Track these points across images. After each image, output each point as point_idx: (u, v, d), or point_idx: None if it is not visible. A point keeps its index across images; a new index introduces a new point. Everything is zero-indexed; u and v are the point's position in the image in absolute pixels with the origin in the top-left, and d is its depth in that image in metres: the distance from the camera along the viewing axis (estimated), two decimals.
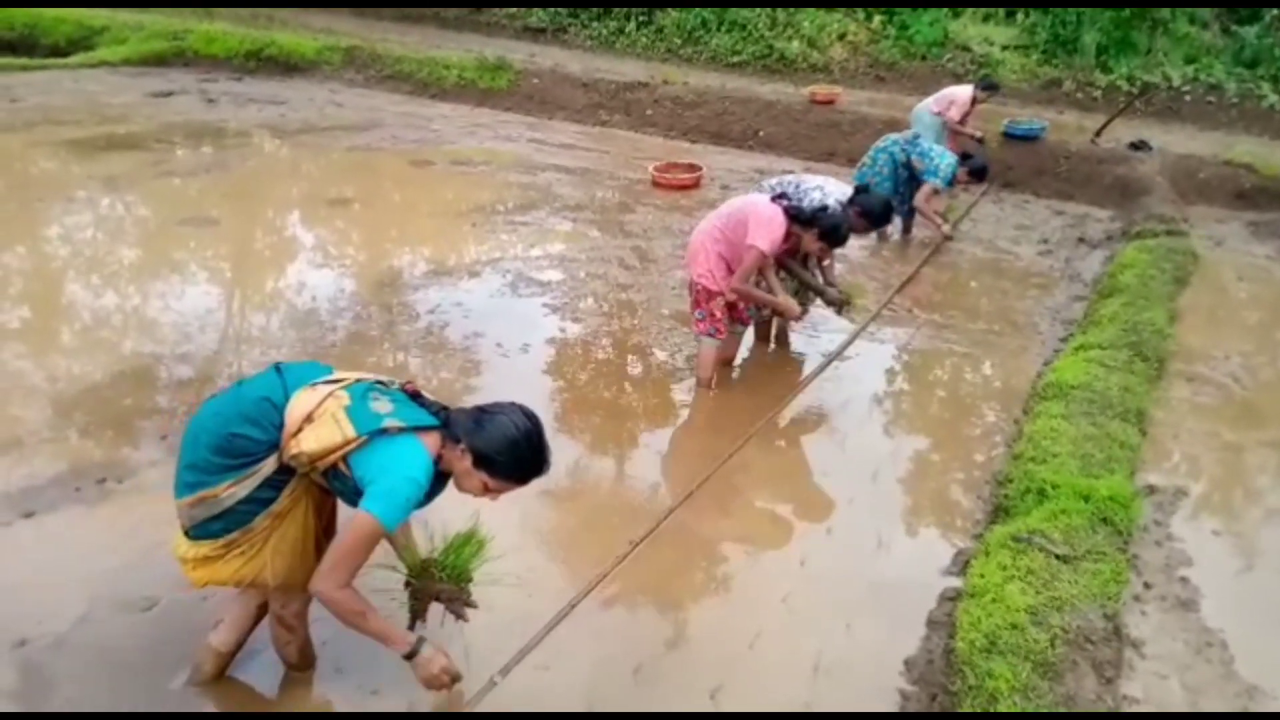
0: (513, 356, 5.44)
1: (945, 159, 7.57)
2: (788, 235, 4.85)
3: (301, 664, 3.04)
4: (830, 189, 5.42)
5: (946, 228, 7.95)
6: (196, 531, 2.55)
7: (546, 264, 6.96)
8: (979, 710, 2.70)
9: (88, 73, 12.33)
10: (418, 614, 2.88)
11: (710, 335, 5.08)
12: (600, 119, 12.12)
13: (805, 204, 5.15)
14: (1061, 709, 2.71)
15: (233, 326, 5.72)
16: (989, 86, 9.50)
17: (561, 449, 4.49)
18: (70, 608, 3.26)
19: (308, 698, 3.02)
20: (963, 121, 9.19)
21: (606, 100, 12.39)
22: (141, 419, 4.53)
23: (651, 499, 4.22)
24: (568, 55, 14.51)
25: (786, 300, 5.08)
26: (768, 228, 4.75)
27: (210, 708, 2.96)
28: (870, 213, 5.32)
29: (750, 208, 4.87)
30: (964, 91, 9.26)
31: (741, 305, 5.14)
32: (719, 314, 5.02)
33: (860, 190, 5.48)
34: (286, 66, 13.05)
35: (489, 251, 7.18)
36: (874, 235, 7.55)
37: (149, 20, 13.94)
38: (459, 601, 2.85)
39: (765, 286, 5.09)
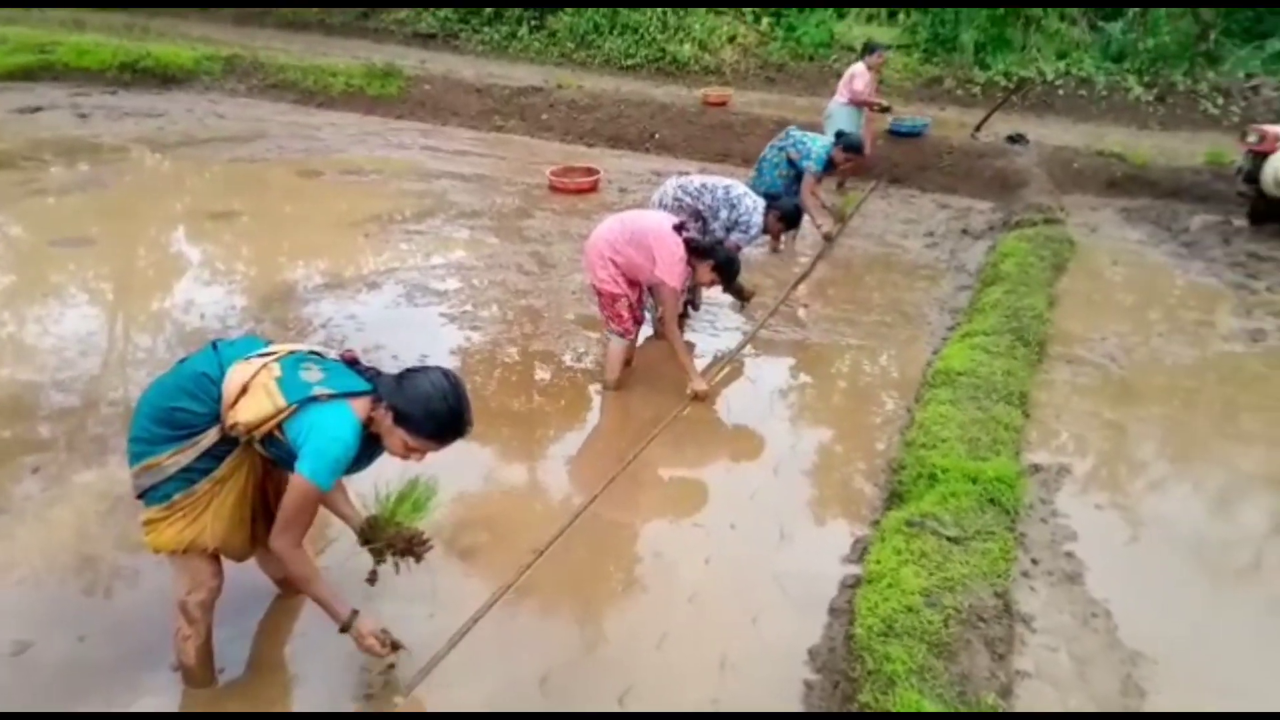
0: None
1: (817, 143, 7.53)
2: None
3: (198, 671, 2.97)
4: (736, 187, 6.00)
5: (827, 227, 7.92)
6: (146, 497, 2.70)
7: (445, 272, 6.87)
8: (878, 694, 2.76)
9: None
10: (378, 562, 3.04)
11: (621, 335, 5.14)
12: (495, 124, 12.03)
13: (711, 202, 5.86)
14: (957, 687, 2.80)
15: (116, 350, 5.47)
16: (872, 49, 9.65)
17: (465, 458, 4.46)
18: None
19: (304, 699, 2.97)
20: (873, 94, 9.46)
21: (501, 106, 12.30)
22: (21, 451, 4.29)
23: (557, 505, 4.20)
24: (460, 61, 14.36)
25: (698, 379, 5.21)
26: (674, 263, 4.89)
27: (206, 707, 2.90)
28: (788, 215, 6.09)
29: (654, 237, 4.92)
30: (855, 66, 9.48)
31: (637, 305, 5.19)
32: (625, 314, 5.10)
33: (772, 196, 6.17)
34: (163, 78, 12.57)
35: (385, 262, 7.04)
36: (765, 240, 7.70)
37: (13, 33, 13.26)
38: (414, 544, 3.02)
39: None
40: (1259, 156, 8.39)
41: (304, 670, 3.15)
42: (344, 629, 2.79)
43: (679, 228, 5.00)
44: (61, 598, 3.40)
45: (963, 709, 2.70)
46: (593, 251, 5.06)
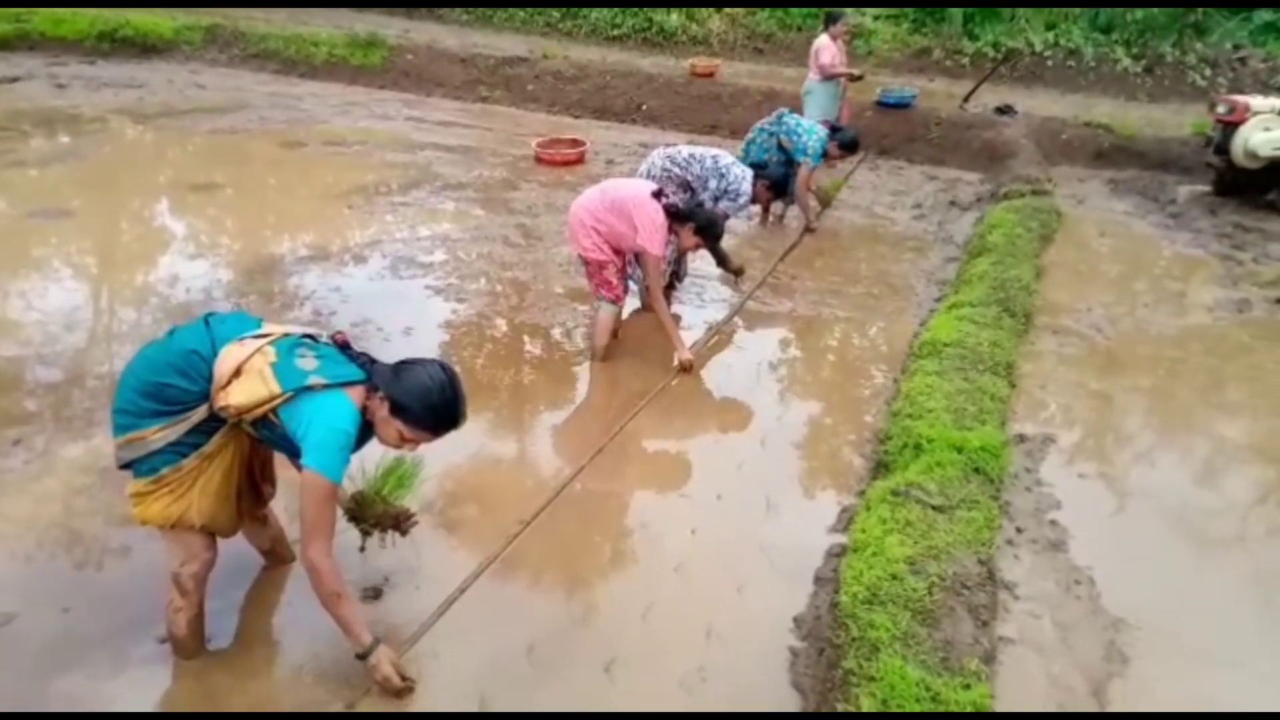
0: (396, 340, 5.30)
1: (813, 135, 7.30)
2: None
3: (188, 642, 2.96)
4: (724, 157, 5.92)
5: (815, 224, 7.74)
6: (133, 469, 2.68)
7: (430, 245, 6.82)
8: (862, 661, 2.77)
9: None
10: (365, 537, 3.08)
11: (612, 302, 5.14)
12: (480, 95, 11.92)
13: (699, 172, 5.77)
14: (940, 654, 2.81)
15: (101, 324, 5.42)
16: (832, 19, 9.38)
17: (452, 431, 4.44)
18: None
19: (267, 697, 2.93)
20: (842, 64, 9.30)
21: (486, 76, 12.19)
22: (5, 424, 4.24)
23: (544, 477, 4.18)
24: (444, 30, 14.20)
25: (684, 350, 5.16)
26: (655, 229, 4.87)
27: (164, 706, 2.87)
28: (776, 184, 6.10)
29: (634, 204, 4.90)
30: (821, 39, 9.28)
31: (624, 271, 5.19)
32: (614, 280, 5.09)
33: (760, 166, 6.19)
34: (143, 48, 12.42)
35: (370, 234, 6.99)
36: (754, 212, 7.66)
37: None
38: (401, 520, 3.06)
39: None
40: (1229, 127, 8.38)
41: (290, 641, 3.14)
42: (362, 656, 2.74)
43: (657, 194, 4.97)
44: (46, 570, 3.37)
45: (946, 675, 2.72)
46: (575, 221, 5.04)
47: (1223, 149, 8.48)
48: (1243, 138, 8.22)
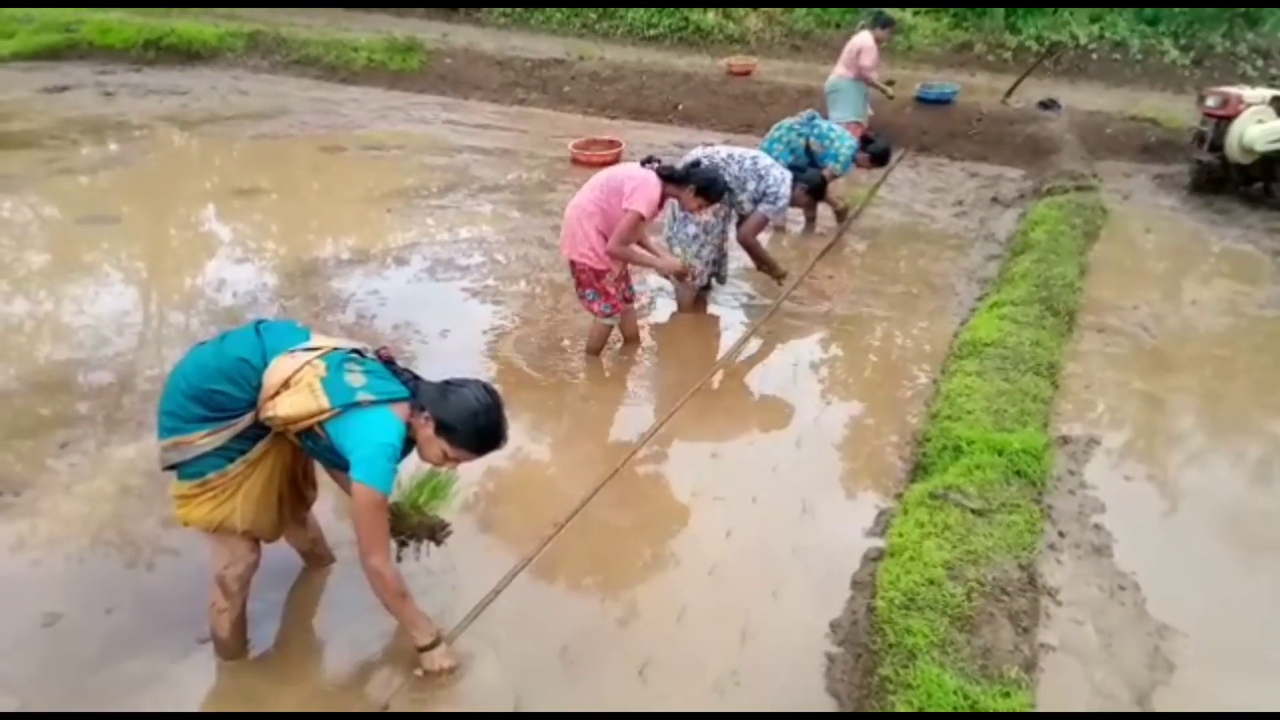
0: (433, 342, 5.35)
1: (845, 141, 7.02)
2: (664, 196, 4.87)
3: (231, 643, 3.02)
4: (764, 159, 5.87)
5: (844, 203, 7.62)
6: (179, 472, 2.73)
7: (468, 247, 6.87)
8: (899, 668, 2.74)
9: None
10: (401, 547, 3.07)
11: (608, 315, 5.07)
12: (517, 97, 11.98)
13: (738, 173, 5.70)
14: (979, 661, 2.77)
15: (150, 328, 5.52)
16: (886, 24, 8.87)
17: None
18: None
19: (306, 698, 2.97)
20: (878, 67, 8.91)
21: (523, 78, 12.24)
22: (57, 427, 4.34)
23: (580, 478, 4.18)
24: (481, 33, 14.28)
25: (668, 259, 5.19)
26: (644, 191, 4.73)
27: (204, 707, 2.91)
28: (814, 187, 6.13)
29: (624, 176, 4.83)
30: (865, 37, 8.74)
31: (623, 278, 5.10)
32: (612, 290, 5.01)
33: (798, 169, 6.13)
34: (187, 55, 12.66)
35: (410, 237, 7.05)
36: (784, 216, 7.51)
37: (39, 11, 13.34)
38: (436, 531, 3.08)
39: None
40: (1221, 121, 8.12)
41: (329, 643, 3.18)
42: (425, 649, 2.88)
43: (645, 161, 4.89)
44: (93, 570, 3.44)
45: (985, 683, 2.67)
46: (572, 222, 4.89)
47: (1216, 144, 8.21)
48: (1237, 132, 7.97)
